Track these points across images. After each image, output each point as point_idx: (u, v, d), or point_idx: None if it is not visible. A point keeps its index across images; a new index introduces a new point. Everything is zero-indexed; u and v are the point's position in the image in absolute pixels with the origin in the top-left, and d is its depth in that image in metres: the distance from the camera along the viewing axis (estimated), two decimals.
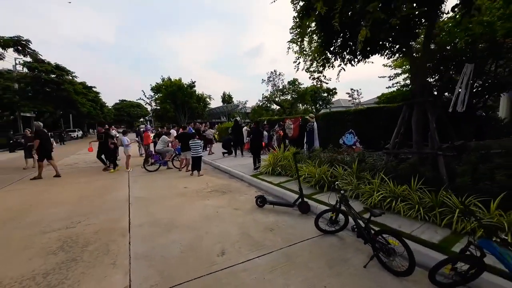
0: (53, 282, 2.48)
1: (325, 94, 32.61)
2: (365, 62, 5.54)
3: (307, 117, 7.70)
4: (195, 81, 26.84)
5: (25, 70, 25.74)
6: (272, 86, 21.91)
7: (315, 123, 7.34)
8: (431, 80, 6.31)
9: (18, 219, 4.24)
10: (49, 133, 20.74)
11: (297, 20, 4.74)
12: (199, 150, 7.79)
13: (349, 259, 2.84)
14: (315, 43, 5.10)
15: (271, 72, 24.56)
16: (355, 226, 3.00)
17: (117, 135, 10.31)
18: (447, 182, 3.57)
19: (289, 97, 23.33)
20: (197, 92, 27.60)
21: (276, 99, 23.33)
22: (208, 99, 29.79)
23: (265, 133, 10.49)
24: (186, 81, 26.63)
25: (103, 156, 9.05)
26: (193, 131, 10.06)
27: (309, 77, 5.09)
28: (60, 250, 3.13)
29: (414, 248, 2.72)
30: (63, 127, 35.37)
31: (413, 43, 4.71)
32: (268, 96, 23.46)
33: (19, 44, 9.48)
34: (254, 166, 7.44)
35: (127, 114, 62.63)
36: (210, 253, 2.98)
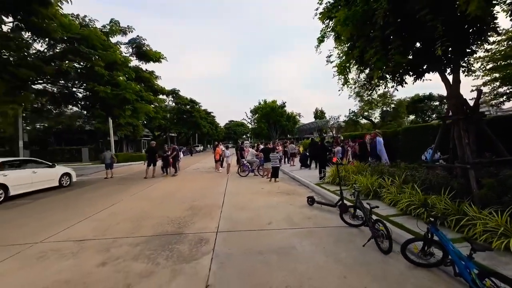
0: (187, 220, 5.05)
1: (437, 103, 27.41)
2: (423, 80, 5.88)
3: (375, 131, 8.02)
4: (285, 102, 30.08)
5: (173, 104, 37.73)
6: (359, 101, 21.30)
7: (379, 138, 7.64)
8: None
9: (170, 196, 7.62)
10: (182, 148, 29.17)
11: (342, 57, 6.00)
12: (277, 162, 9.79)
13: (355, 241, 3.85)
14: (362, 75, 6.09)
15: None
16: (359, 215, 3.97)
17: (223, 149, 14.05)
18: (484, 195, 3.73)
19: (379, 110, 21.80)
20: (287, 111, 30.62)
21: (365, 113, 22.34)
22: (297, 117, 32.18)
23: (339, 148, 11.21)
24: (280, 101, 30.25)
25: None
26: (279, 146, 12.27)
27: (359, 101, 6.04)
28: (189, 210, 5.84)
29: (401, 235, 3.50)
30: (191, 143, 47.65)
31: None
32: (357, 111, 22.85)
33: (174, 93, 15.32)
34: (319, 176, 8.62)
35: (233, 132, 75.27)
36: (262, 222, 4.78)
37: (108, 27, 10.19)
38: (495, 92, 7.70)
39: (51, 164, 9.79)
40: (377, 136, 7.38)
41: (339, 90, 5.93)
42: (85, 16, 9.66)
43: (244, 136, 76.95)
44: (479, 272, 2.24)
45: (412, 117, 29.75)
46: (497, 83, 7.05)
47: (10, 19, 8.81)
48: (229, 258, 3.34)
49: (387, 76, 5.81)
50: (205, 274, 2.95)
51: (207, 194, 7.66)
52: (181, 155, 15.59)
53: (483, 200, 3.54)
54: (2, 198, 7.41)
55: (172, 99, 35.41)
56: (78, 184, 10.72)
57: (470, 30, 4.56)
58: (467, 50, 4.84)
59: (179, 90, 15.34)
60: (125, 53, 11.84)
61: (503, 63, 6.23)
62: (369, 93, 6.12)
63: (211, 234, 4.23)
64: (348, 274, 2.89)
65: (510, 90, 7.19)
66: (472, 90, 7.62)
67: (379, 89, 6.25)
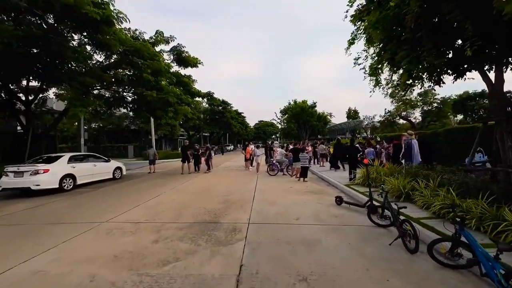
0: (221, 212, 5.59)
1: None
2: (464, 79, 5.60)
3: (405, 133, 7.69)
4: (316, 102, 29.62)
5: (206, 105, 39.77)
6: (392, 102, 19.97)
7: (413, 140, 7.31)
8: None
9: (206, 191, 8.33)
10: (214, 147, 30.68)
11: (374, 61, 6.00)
12: (306, 162, 9.97)
13: (381, 239, 3.95)
14: (395, 75, 6.01)
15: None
16: (387, 215, 4.04)
17: (253, 148, 14.58)
18: None
19: (419, 110, 20.17)
20: (318, 111, 30.11)
21: (403, 113, 20.88)
22: (328, 117, 31.39)
23: (371, 149, 10.89)
24: (311, 101, 29.78)
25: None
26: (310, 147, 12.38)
27: (392, 101, 5.97)
28: (223, 203, 6.40)
29: (430, 236, 3.52)
30: (222, 142, 49.53)
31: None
32: (394, 110, 21.49)
33: (209, 95, 16.39)
34: (349, 177, 8.56)
35: (263, 132, 76.04)
36: (290, 217, 5.09)
37: (154, 37, 11.50)
38: None
39: (107, 159, 11.36)
40: (409, 138, 7.07)
41: (370, 92, 5.93)
42: (136, 29, 11.08)
43: (274, 136, 77.14)
44: (505, 272, 2.27)
45: (460, 116, 26.95)
46: None
47: (77, 36, 10.53)
48: (260, 245, 3.74)
49: (423, 76, 5.66)
50: (239, 256, 3.39)
51: (238, 190, 8.20)
52: (212, 153, 16.56)
53: None
54: (71, 186, 8.92)
55: (206, 101, 37.47)
56: (127, 177, 12.21)
57: None
58: None
59: (213, 93, 16.72)
60: (167, 60, 13.15)
61: None
62: (402, 93, 5.96)
63: (243, 225, 4.68)
64: (371, 268, 3.07)
65: None
66: None
67: (414, 89, 6.08)
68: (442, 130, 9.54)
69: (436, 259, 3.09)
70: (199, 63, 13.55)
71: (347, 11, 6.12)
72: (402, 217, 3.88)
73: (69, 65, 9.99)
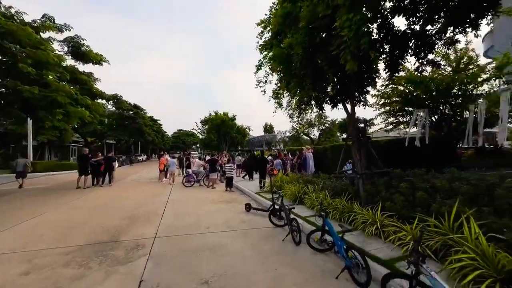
0: (124, 228, 5.06)
1: (362, 125, 32.62)
2: (338, 108, 7.43)
3: (303, 148, 9.52)
4: (235, 115, 31.15)
5: (113, 108, 34.37)
6: (301, 119, 24.03)
7: (307, 153, 9.10)
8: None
9: (105, 206, 7.24)
10: (122, 157, 26.60)
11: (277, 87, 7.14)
12: (232, 172, 10.32)
13: (278, 237, 4.66)
14: (294, 100, 7.34)
15: None
16: (282, 215, 4.85)
17: (168, 158, 13.77)
18: (364, 197, 5.09)
19: (316, 129, 25.02)
20: (237, 124, 31.65)
21: (306, 130, 25.18)
22: (247, 130, 33.51)
23: (279, 160, 12.50)
24: (232, 113, 30.90)
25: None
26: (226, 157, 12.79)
27: (290, 121, 7.19)
28: (127, 219, 5.78)
29: (309, 229, 4.47)
30: (133, 152, 43.74)
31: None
32: (298, 128, 25.53)
33: (115, 98, 14.40)
34: (259, 186, 9.51)
35: (182, 142, 72.22)
36: (201, 227, 5.21)
37: (40, 22, 9.20)
38: (386, 121, 10.40)
39: None
40: (305, 151, 8.77)
41: (273, 112, 7.03)
42: (10, 7, 8.56)
43: (194, 146, 74.61)
44: (346, 247, 3.24)
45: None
46: (387, 114, 9.59)
47: None
48: (164, 258, 3.68)
49: (312, 103, 7.21)
50: (140, 272, 3.23)
51: (147, 203, 7.58)
52: (116, 164, 14.44)
53: (366, 200, 4.86)
54: None
55: (113, 104, 32.37)
56: None
57: (365, 76, 6.21)
58: (365, 90, 6.55)
59: (121, 96, 14.68)
60: (59, 51, 10.78)
61: (388, 101, 8.50)
62: (297, 115, 7.36)
63: (148, 240, 4.44)
64: (265, 261, 3.61)
65: (396, 120, 9.87)
66: (377, 115, 10.19)
67: (306, 113, 7.59)
68: (329, 145, 12.14)
69: (312, 247, 3.98)
70: (104, 61, 11.77)
71: (257, 42, 7.11)
72: (292, 216, 4.75)
73: None
